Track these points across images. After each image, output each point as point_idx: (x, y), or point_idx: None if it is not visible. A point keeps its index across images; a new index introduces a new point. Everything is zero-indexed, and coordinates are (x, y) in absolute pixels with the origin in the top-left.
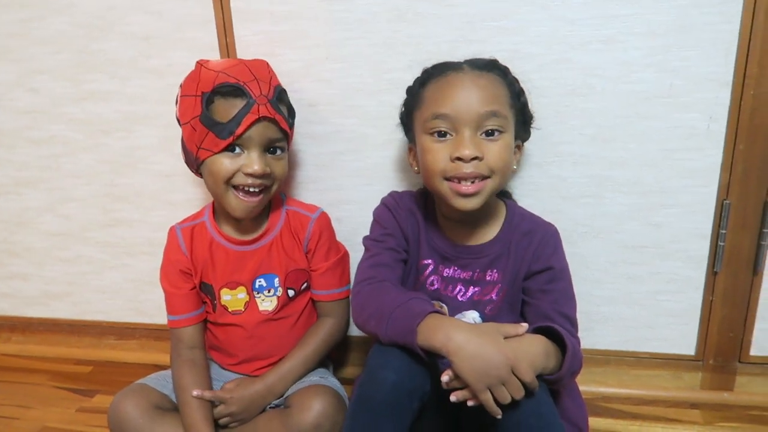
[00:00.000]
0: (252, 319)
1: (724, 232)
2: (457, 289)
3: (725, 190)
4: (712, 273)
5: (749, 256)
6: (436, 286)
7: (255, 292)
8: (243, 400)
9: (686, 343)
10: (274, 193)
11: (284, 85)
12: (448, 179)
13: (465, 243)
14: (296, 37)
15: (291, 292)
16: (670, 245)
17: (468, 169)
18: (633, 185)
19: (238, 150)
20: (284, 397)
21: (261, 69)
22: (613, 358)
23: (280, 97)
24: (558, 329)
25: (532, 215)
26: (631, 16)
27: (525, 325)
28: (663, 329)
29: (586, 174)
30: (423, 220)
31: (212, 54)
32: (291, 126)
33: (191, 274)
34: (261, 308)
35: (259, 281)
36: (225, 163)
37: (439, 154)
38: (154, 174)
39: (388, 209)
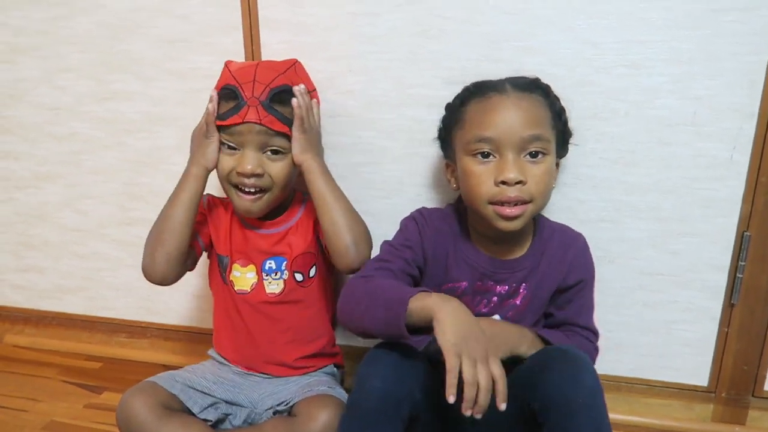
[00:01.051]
0: (257, 299)
1: (743, 264)
2: (492, 303)
3: (746, 221)
4: (729, 305)
5: (767, 290)
6: (467, 306)
7: (264, 274)
8: None
9: (699, 374)
10: (278, 196)
11: None
12: (492, 203)
13: (501, 257)
14: (320, 48)
15: (299, 276)
16: (688, 274)
17: (512, 193)
18: (652, 211)
19: (236, 148)
20: (290, 405)
21: (270, 71)
22: (624, 384)
23: (279, 98)
24: (549, 339)
25: (561, 227)
26: (657, 42)
27: None
28: (676, 358)
29: (605, 198)
30: (454, 240)
31: (237, 60)
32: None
33: (204, 222)
34: (268, 291)
35: (269, 263)
36: (224, 160)
37: (482, 177)
38: (173, 175)
39: (416, 223)
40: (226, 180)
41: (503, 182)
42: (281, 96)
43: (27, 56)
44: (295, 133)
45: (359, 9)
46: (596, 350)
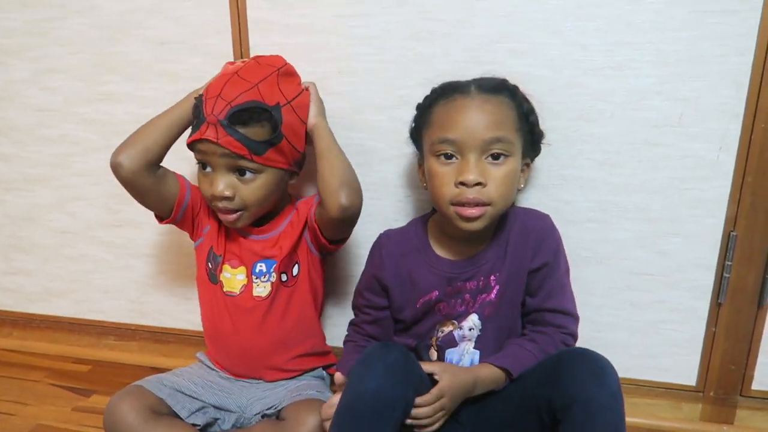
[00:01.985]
0: (244, 302)
1: (729, 264)
2: (466, 300)
3: (732, 222)
4: (716, 304)
5: (754, 290)
6: (444, 312)
7: (254, 277)
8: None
9: (687, 374)
10: (257, 212)
11: None
12: (453, 204)
13: (466, 256)
14: (310, 49)
15: (283, 276)
16: (675, 274)
17: (471, 195)
18: (639, 212)
19: (208, 168)
20: (278, 410)
21: (238, 85)
22: None
23: (239, 118)
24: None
25: (526, 211)
26: (644, 44)
27: None
28: (664, 358)
29: (592, 199)
30: (417, 255)
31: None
32: (258, 150)
33: (204, 218)
34: (255, 293)
35: (260, 266)
36: (201, 181)
37: (445, 178)
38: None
39: (372, 261)
40: (208, 202)
41: (462, 183)
42: (242, 116)
43: (17, 58)
44: (311, 109)
45: (349, 11)
46: (572, 336)
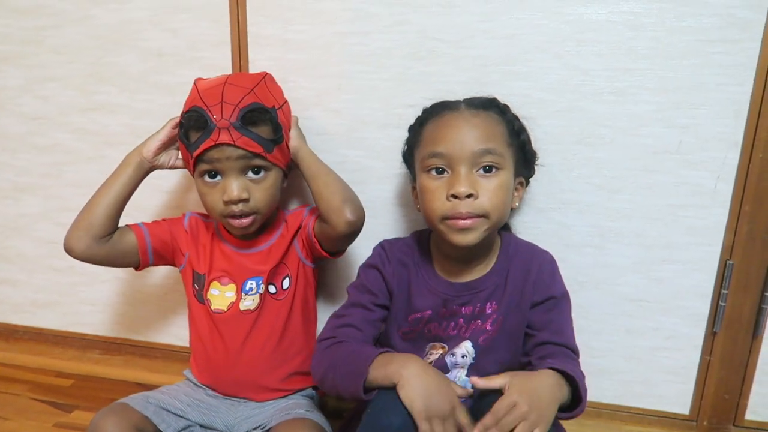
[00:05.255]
0: (232, 316)
1: (725, 292)
2: (459, 324)
3: (729, 250)
4: (711, 333)
5: (750, 319)
6: (434, 333)
7: (243, 294)
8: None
9: (681, 402)
10: (266, 215)
11: (295, 113)
12: (445, 218)
13: (463, 280)
14: (309, 66)
15: (272, 288)
16: (671, 301)
17: (463, 209)
18: (636, 238)
19: (218, 177)
20: (267, 429)
21: (238, 89)
22: (605, 411)
23: (250, 118)
24: (569, 372)
25: (527, 244)
26: (644, 70)
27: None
28: (659, 386)
29: (590, 223)
30: (416, 269)
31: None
32: (269, 148)
33: (178, 247)
34: (242, 308)
35: (250, 283)
36: (208, 194)
37: (436, 193)
38: (155, 189)
39: (376, 268)
40: (219, 216)
41: (454, 196)
42: (252, 116)
43: (10, 65)
44: (292, 132)
45: (349, 28)
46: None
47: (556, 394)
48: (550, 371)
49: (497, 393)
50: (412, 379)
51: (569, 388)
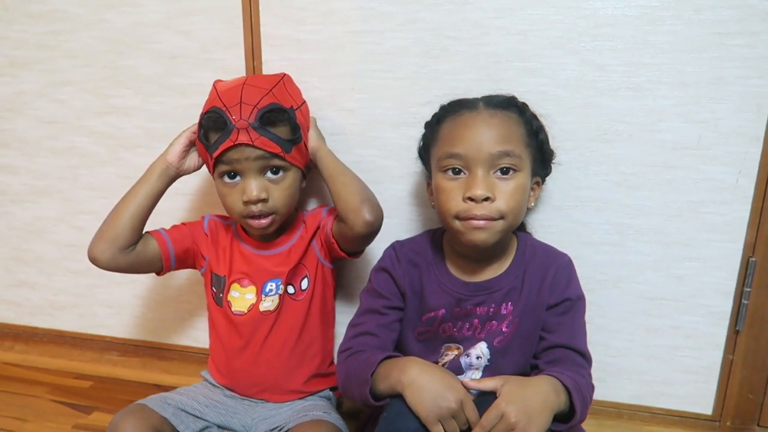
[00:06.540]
0: (252, 318)
1: (748, 290)
2: (474, 325)
3: (751, 247)
4: (734, 331)
5: None
6: (449, 333)
7: (263, 295)
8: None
9: (704, 402)
10: (285, 215)
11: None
12: (459, 218)
13: (477, 279)
14: (323, 65)
15: (290, 289)
16: (692, 299)
17: (479, 211)
18: (656, 235)
19: (237, 178)
20: (284, 430)
21: (256, 90)
22: (626, 411)
23: (268, 119)
24: (563, 381)
25: (544, 246)
26: (662, 65)
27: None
28: (680, 386)
29: (608, 221)
30: (428, 268)
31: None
32: (287, 149)
33: (199, 251)
34: (262, 309)
35: (270, 285)
36: (228, 194)
37: (452, 193)
38: (170, 192)
39: (386, 271)
40: (239, 216)
41: (471, 198)
42: (270, 117)
43: (26, 70)
44: (311, 132)
45: (362, 27)
46: (590, 376)
47: (550, 402)
48: (547, 377)
49: (493, 395)
50: (413, 384)
51: (568, 394)
